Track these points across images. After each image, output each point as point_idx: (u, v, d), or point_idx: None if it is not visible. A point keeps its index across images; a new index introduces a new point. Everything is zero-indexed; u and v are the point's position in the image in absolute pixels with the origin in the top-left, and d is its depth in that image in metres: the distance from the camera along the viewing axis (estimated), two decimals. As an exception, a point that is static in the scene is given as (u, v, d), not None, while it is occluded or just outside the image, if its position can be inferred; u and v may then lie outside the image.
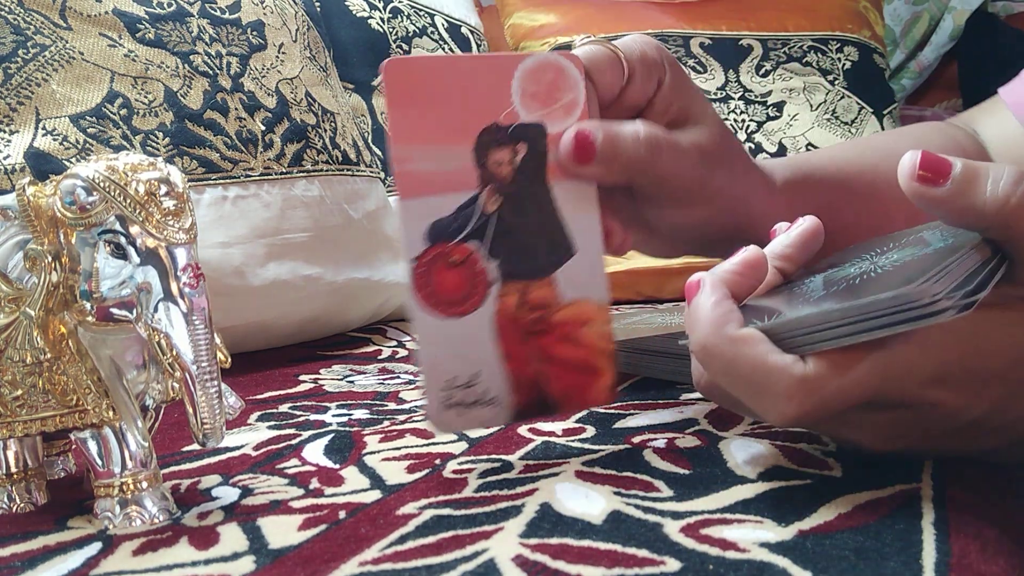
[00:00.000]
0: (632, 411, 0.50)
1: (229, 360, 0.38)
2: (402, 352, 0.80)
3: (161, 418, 0.39)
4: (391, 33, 1.20)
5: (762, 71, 1.36)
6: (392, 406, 0.56)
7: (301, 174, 0.83)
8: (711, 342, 0.34)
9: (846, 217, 0.42)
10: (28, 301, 0.35)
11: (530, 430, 0.47)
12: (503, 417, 0.41)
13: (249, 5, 0.87)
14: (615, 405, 0.52)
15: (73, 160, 0.67)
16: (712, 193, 0.47)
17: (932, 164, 0.33)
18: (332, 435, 0.48)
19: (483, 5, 1.56)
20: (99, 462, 0.36)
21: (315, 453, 0.44)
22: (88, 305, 0.35)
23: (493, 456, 0.42)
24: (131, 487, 0.35)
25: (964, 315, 0.31)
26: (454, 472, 0.40)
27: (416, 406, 0.55)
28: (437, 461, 0.42)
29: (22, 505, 0.38)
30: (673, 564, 0.29)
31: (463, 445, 0.45)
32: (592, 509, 0.34)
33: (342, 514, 0.35)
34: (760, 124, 1.30)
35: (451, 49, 1.27)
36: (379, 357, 0.78)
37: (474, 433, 0.47)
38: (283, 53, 0.88)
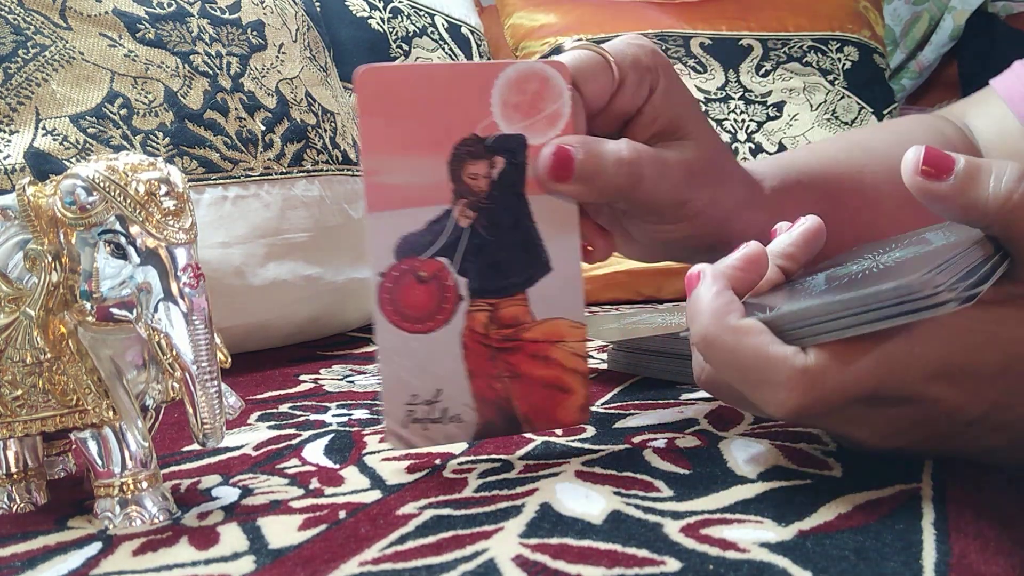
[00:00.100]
0: (632, 411, 0.50)
1: (229, 360, 0.38)
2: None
3: (161, 418, 0.39)
4: (391, 33, 1.20)
5: (762, 71, 1.36)
6: (392, 406, 0.55)
7: (301, 174, 0.83)
8: (712, 332, 0.34)
9: (834, 222, 0.42)
10: (28, 301, 0.35)
11: (530, 430, 0.47)
12: (466, 435, 0.41)
13: (249, 5, 0.87)
14: (615, 405, 0.52)
15: (73, 160, 0.67)
16: (695, 211, 0.45)
17: (935, 160, 0.34)
18: (332, 435, 0.48)
19: (483, 5, 1.56)
20: (99, 462, 0.36)
21: (315, 453, 0.44)
22: (88, 305, 0.35)
23: (493, 456, 0.42)
24: (131, 487, 0.35)
25: (966, 307, 0.31)
26: (454, 472, 0.40)
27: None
28: (437, 461, 0.42)
29: (22, 505, 0.38)
30: (673, 564, 0.29)
31: (463, 445, 0.45)
32: (592, 509, 0.34)
33: (342, 514, 0.35)
34: (760, 124, 1.30)
35: (451, 49, 1.27)
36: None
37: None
38: (283, 53, 0.88)
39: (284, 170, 0.81)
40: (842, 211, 0.50)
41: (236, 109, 0.79)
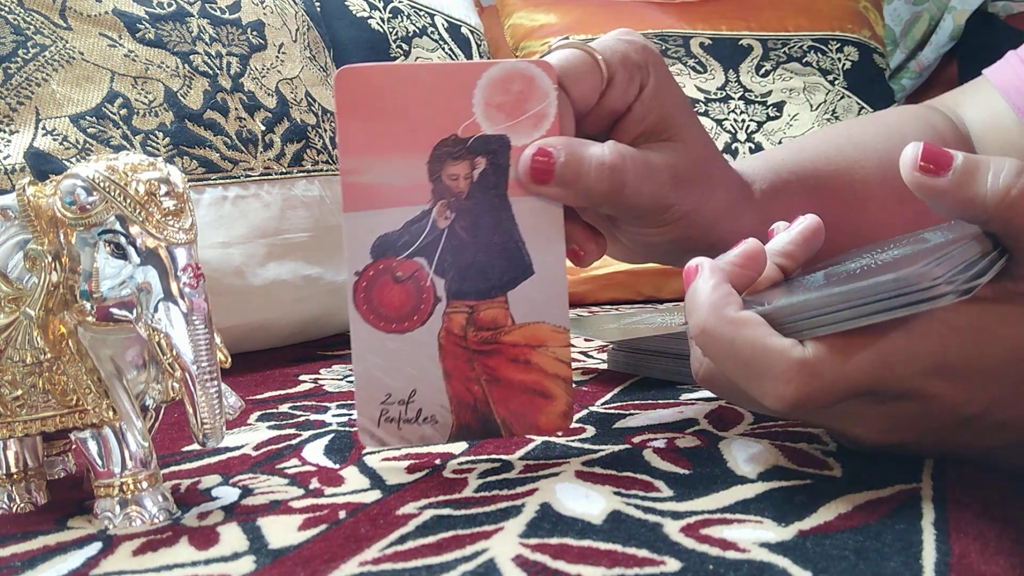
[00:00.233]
0: (632, 411, 0.50)
1: (229, 360, 0.38)
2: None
3: (161, 418, 0.39)
4: (391, 33, 1.20)
5: (762, 71, 1.36)
6: (392, 406, 0.55)
7: (301, 174, 0.83)
8: (710, 324, 0.34)
9: (825, 221, 0.42)
10: (28, 301, 0.35)
11: (530, 430, 0.47)
12: (441, 436, 0.40)
13: (249, 5, 0.87)
14: (615, 405, 0.52)
15: (73, 160, 0.67)
16: (680, 215, 0.44)
17: (934, 156, 0.34)
18: (332, 435, 0.48)
19: (483, 5, 1.56)
20: (99, 462, 0.36)
21: (315, 453, 0.44)
22: (88, 305, 0.35)
23: (493, 456, 0.42)
24: (131, 487, 0.35)
25: (964, 302, 0.31)
26: (454, 472, 0.40)
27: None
28: (437, 461, 0.42)
29: (22, 505, 0.38)
30: (673, 564, 0.29)
31: (463, 445, 0.45)
32: (592, 509, 0.34)
33: (342, 514, 0.35)
34: (760, 124, 1.30)
35: (451, 49, 1.27)
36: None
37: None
38: (283, 53, 0.88)
39: (284, 170, 0.81)
40: (833, 210, 0.49)
41: (236, 109, 0.79)
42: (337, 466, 0.42)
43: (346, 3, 1.18)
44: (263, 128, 0.81)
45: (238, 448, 0.46)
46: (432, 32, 1.26)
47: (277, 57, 0.87)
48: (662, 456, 0.41)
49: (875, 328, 0.32)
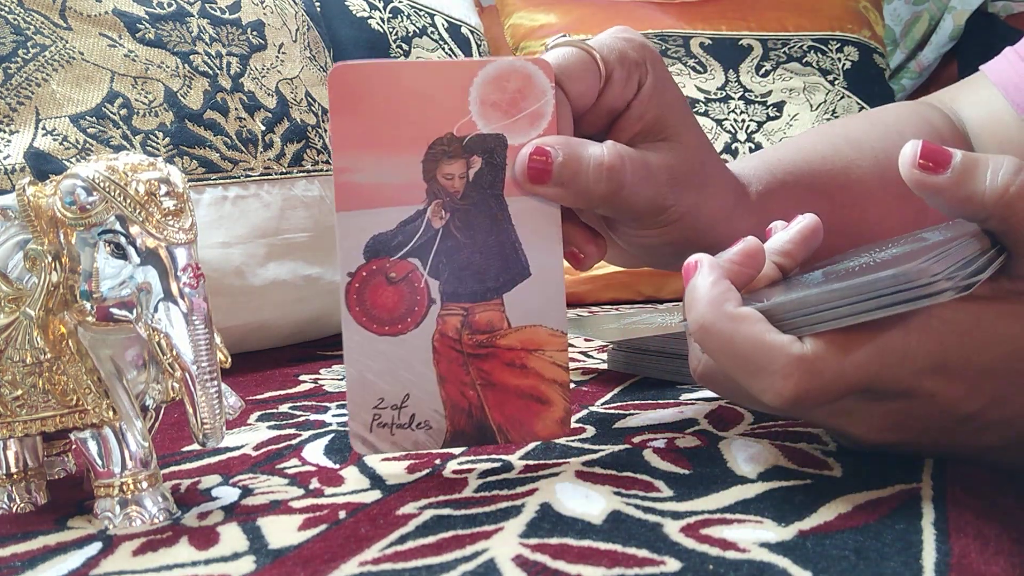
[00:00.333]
0: (632, 411, 0.50)
1: (229, 360, 0.38)
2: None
3: (161, 418, 0.39)
4: (391, 33, 1.20)
5: (762, 71, 1.36)
6: (392, 406, 0.55)
7: (301, 174, 0.83)
8: (709, 320, 0.34)
9: (822, 221, 0.42)
10: (28, 301, 0.35)
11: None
12: (435, 442, 0.39)
13: (249, 5, 0.87)
14: (615, 405, 0.52)
15: (73, 160, 0.67)
16: (677, 217, 0.44)
17: (933, 154, 0.34)
18: (332, 435, 0.48)
19: (483, 5, 1.56)
20: (99, 462, 0.36)
21: (315, 453, 0.44)
22: (88, 305, 0.35)
23: (493, 456, 0.42)
24: (131, 487, 0.35)
25: (962, 299, 0.31)
26: (454, 472, 0.40)
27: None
28: (437, 461, 0.42)
29: (22, 505, 0.38)
30: (673, 564, 0.29)
31: (463, 445, 0.45)
32: (592, 509, 0.34)
33: (342, 514, 0.35)
34: (760, 124, 1.30)
35: (451, 49, 1.27)
36: (379, 357, 0.77)
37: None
38: (283, 53, 0.88)
39: (284, 170, 0.81)
40: (831, 210, 0.49)
41: (236, 109, 0.79)
42: (337, 466, 0.42)
43: (346, 3, 1.18)
44: (263, 128, 0.81)
45: (238, 448, 0.46)
46: (432, 32, 1.26)
47: (277, 57, 0.87)
48: (662, 456, 0.41)
49: (874, 325, 0.32)
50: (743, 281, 0.38)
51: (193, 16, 0.81)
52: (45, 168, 0.66)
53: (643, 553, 0.30)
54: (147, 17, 0.77)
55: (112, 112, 0.71)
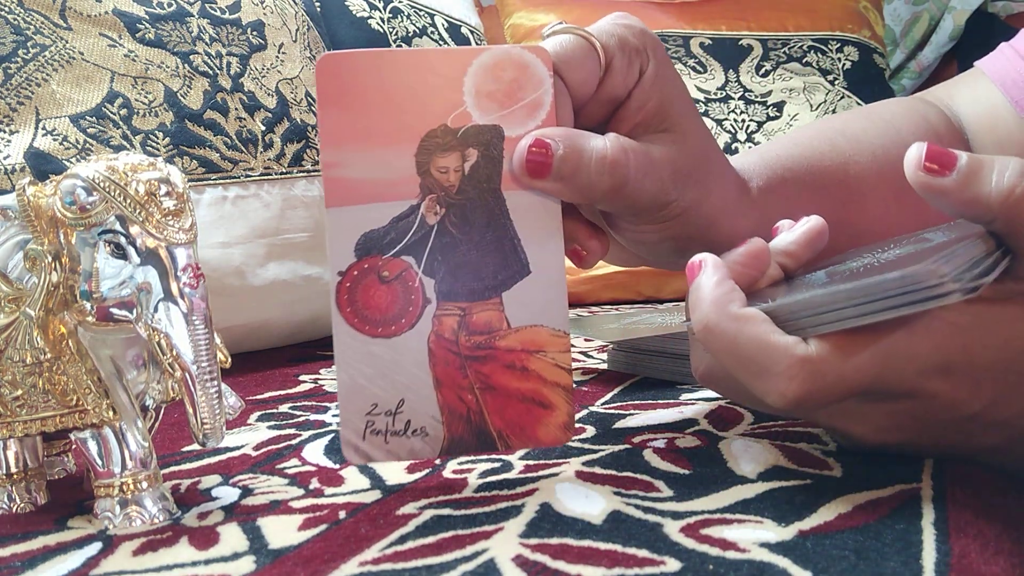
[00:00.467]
0: (632, 411, 0.50)
1: (229, 360, 0.38)
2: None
3: (161, 418, 0.39)
4: (391, 33, 1.20)
5: (762, 71, 1.36)
6: (392, 406, 0.55)
7: (301, 174, 0.83)
8: (713, 320, 0.34)
9: (822, 217, 0.41)
10: (28, 301, 0.35)
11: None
12: (432, 450, 0.37)
13: (249, 5, 0.87)
14: (615, 405, 0.52)
15: (73, 160, 0.67)
16: (679, 212, 0.42)
17: (938, 156, 0.34)
18: (332, 435, 0.48)
19: (483, 5, 1.56)
20: (99, 462, 0.36)
21: (315, 453, 0.44)
22: (88, 305, 0.35)
23: (493, 456, 0.42)
24: (131, 487, 0.35)
25: (968, 301, 0.31)
26: (454, 472, 0.40)
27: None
28: (437, 461, 0.42)
29: (22, 505, 0.38)
30: (673, 564, 0.29)
31: (463, 445, 0.45)
32: (592, 509, 0.34)
33: (342, 514, 0.35)
34: (760, 124, 1.30)
35: (451, 49, 1.27)
36: (379, 357, 0.77)
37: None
38: (283, 53, 0.88)
39: (284, 170, 0.81)
40: (830, 206, 0.48)
41: (236, 109, 0.79)
42: (337, 466, 0.42)
43: (346, 3, 1.18)
44: (263, 128, 0.81)
45: (238, 448, 0.46)
46: (432, 32, 1.26)
47: (277, 57, 0.87)
48: (662, 456, 0.41)
49: (877, 326, 0.32)
50: (747, 282, 0.38)
51: (193, 16, 0.81)
52: (45, 168, 0.66)
53: (643, 553, 0.30)
54: (147, 17, 0.77)
55: (112, 112, 0.71)
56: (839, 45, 1.41)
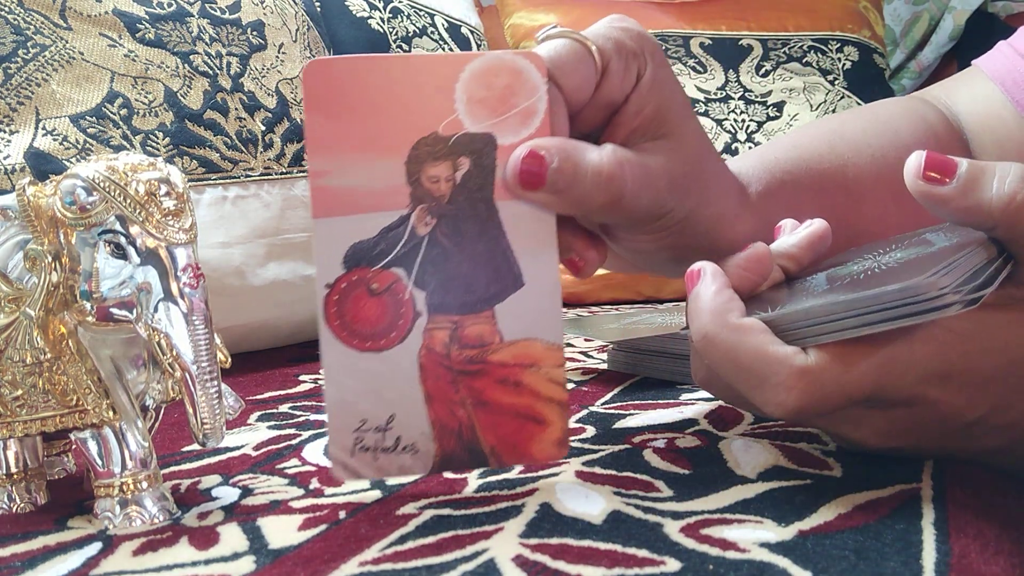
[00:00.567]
0: (632, 411, 0.50)
1: (229, 360, 0.38)
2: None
3: (161, 418, 0.39)
4: (391, 33, 1.20)
5: (762, 71, 1.36)
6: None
7: (301, 174, 0.83)
8: (712, 330, 0.34)
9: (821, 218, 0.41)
10: (28, 301, 0.35)
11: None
12: (423, 467, 0.36)
13: (249, 5, 0.87)
14: (615, 405, 0.52)
15: (73, 160, 0.67)
16: (676, 221, 0.42)
17: (938, 164, 0.33)
18: (332, 435, 0.48)
19: (483, 5, 1.56)
20: (99, 462, 0.36)
21: (315, 453, 0.44)
22: (88, 305, 0.35)
23: (493, 456, 0.42)
24: (131, 487, 0.35)
25: (969, 310, 0.31)
26: (454, 472, 0.40)
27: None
28: (437, 461, 0.42)
29: (22, 505, 0.38)
30: (673, 564, 0.29)
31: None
32: (592, 509, 0.34)
33: (342, 514, 0.35)
34: (760, 124, 1.30)
35: (451, 49, 1.27)
36: (379, 357, 0.77)
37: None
38: (283, 53, 0.88)
39: (284, 170, 0.81)
40: (829, 208, 0.48)
41: (236, 109, 0.79)
42: (337, 466, 0.42)
43: (346, 3, 1.18)
44: (263, 128, 0.81)
45: (238, 448, 0.46)
46: (432, 32, 1.26)
47: (277, 57, 0.87)
48: (662, 456, 0.41)
49: (877, 336, 0.32)
50: (748, 287, 0.37)
51: (193, 16, 0.81)
52: (45, 168, 0.66)
53: (643, 553, 0.30)
54: (147, 17, 0.77)
55: (112, 112, 0.71)
56: (839, 45, 1.41)
